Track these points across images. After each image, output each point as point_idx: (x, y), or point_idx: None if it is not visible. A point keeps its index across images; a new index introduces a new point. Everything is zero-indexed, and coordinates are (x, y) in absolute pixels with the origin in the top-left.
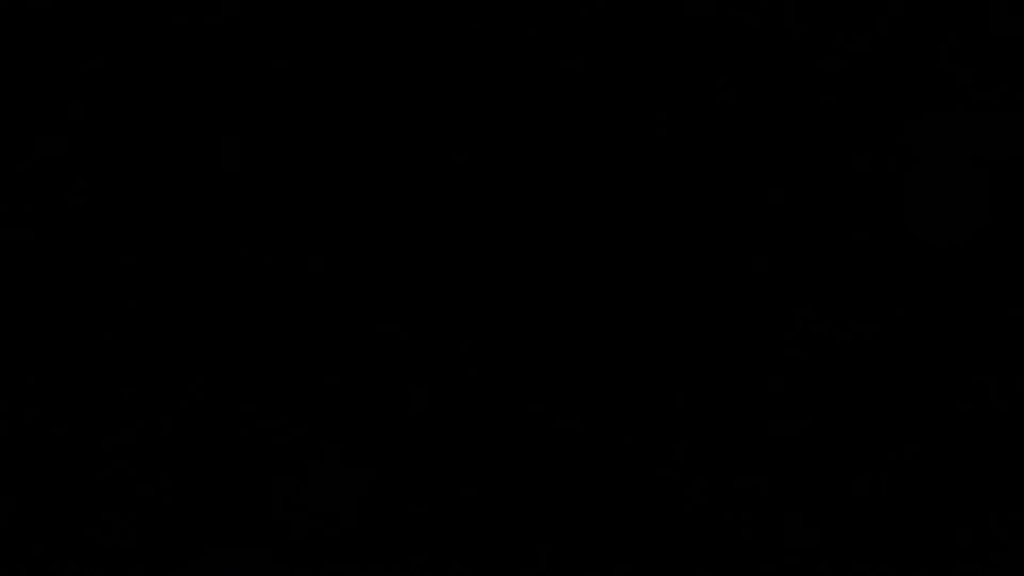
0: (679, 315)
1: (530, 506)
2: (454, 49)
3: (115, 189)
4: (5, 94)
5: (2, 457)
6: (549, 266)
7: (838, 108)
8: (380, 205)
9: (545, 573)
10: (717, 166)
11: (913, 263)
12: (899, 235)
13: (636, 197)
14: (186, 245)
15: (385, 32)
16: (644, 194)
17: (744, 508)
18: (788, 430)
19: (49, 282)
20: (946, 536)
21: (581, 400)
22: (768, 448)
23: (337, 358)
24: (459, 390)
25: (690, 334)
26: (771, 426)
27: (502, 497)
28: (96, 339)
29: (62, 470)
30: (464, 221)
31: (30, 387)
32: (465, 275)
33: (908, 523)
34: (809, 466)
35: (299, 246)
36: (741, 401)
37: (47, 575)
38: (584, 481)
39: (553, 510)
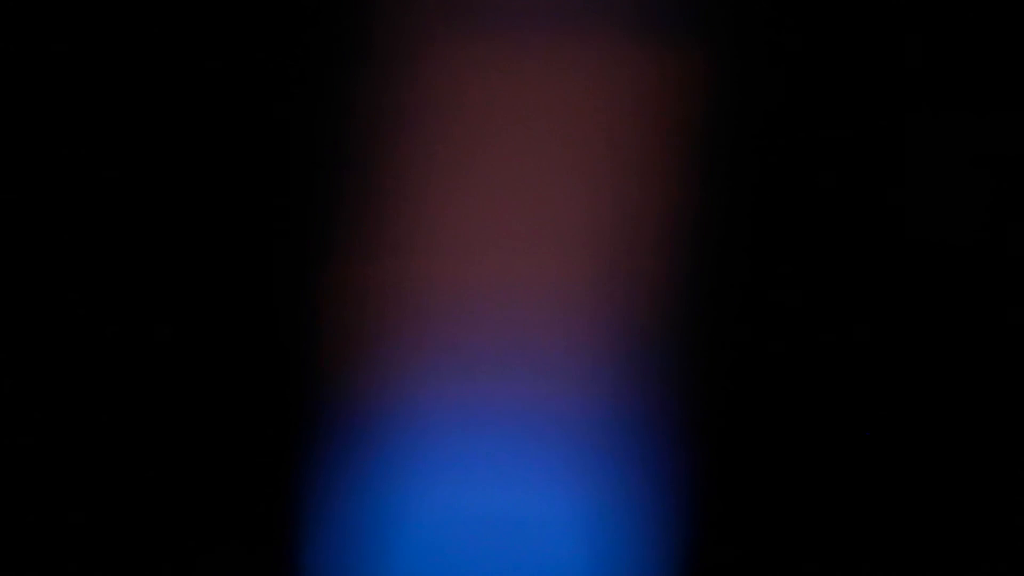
0: (678, 316)
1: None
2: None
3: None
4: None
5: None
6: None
7: (838, 107)
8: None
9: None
10: (715, 166)
11: (913, 263)
12: (899, 235)
13: (633, 196)
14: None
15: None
16: (641, 194)
17: (743, 510)
18: (786, 431)
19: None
20: (946, 536)
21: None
22: (766, 450)
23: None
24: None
25: (689, 336)
26: (770, 427)
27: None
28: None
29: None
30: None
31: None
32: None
33: (908, 524)
34: (808, 467)
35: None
36: (740, 402)
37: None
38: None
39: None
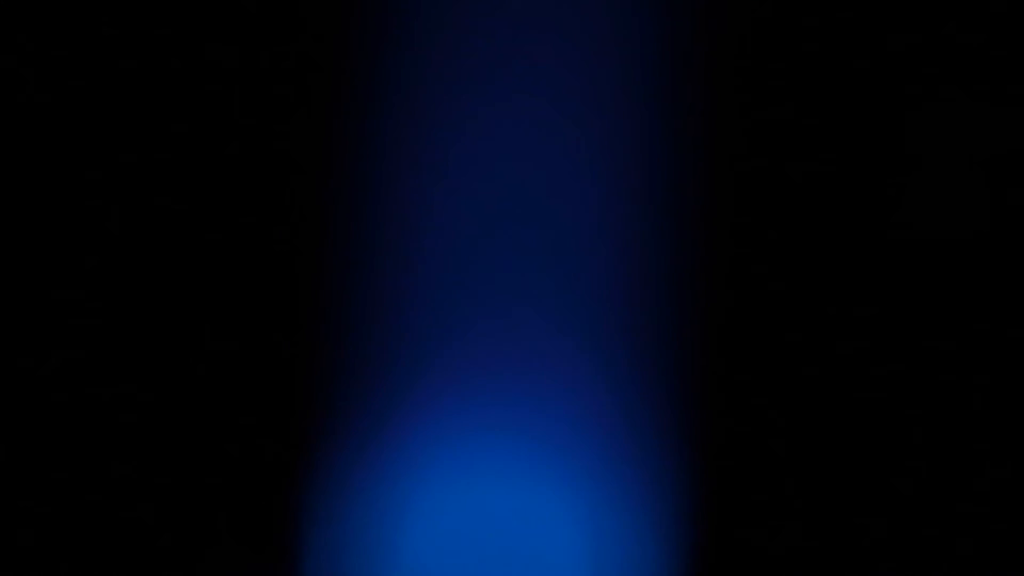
0: (681, 318)
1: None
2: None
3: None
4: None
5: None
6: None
7: (838, 107)
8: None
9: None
10: (716, 166)
11: (913, 263)
12: (899, 235)
13: (634, 198)
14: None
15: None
16: (643, 195)
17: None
18: (786, 431)
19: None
20: (945, 536)
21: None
22: (768, 450)
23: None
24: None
25: (691, 337)
26: (768, 428)
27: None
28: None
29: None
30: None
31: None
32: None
33: (908, 524)
34: (808, 467)
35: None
36: (741, 403)
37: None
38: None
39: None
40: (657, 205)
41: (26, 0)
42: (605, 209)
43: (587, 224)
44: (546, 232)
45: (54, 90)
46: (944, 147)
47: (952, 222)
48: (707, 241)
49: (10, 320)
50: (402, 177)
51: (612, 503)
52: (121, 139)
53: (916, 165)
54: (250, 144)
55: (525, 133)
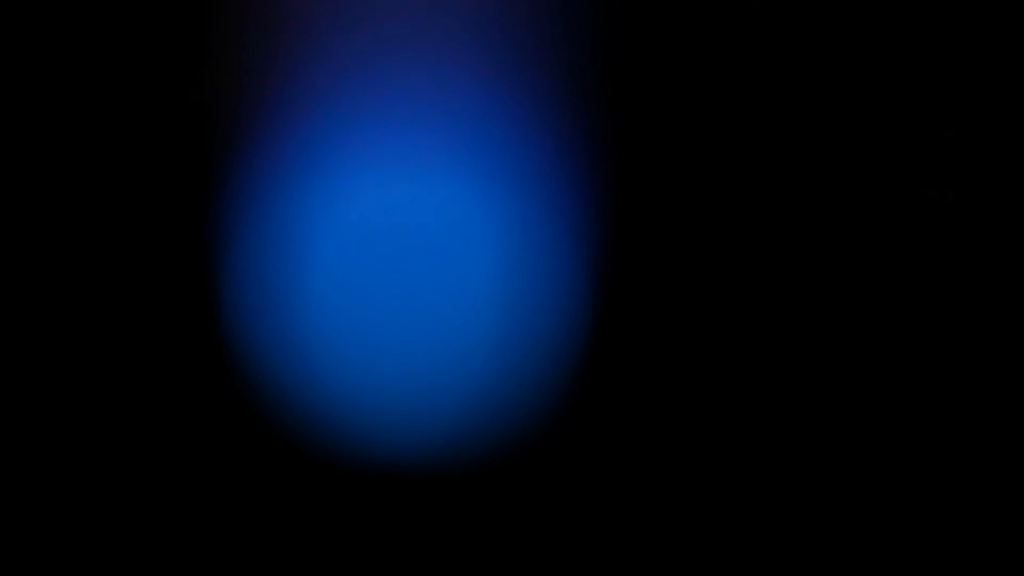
0: (683, 316)
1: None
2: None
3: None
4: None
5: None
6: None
7: (839, 108)
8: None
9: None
10: (718, 166)
11: (913, 262)
12: (900, 232)
13: (637, 197)
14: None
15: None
16: (643, 194)
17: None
18: (787, 430)
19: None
20: (946, 536)
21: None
22: (769, 448)
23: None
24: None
25: (693, 334)
26: (770, 426)
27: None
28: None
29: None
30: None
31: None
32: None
33: (908, 523)
34: (810, 466)
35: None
36: (742, 401)
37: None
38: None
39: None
40: (657, 204)
41: None
42: None
43: None
44: None
45: None
46: (945, 149)
47: (953, 223)
48: (710, 240)
49: None
50: None
51: (520, 195)
52: None
53: (918, 167)
54: None
55: None
